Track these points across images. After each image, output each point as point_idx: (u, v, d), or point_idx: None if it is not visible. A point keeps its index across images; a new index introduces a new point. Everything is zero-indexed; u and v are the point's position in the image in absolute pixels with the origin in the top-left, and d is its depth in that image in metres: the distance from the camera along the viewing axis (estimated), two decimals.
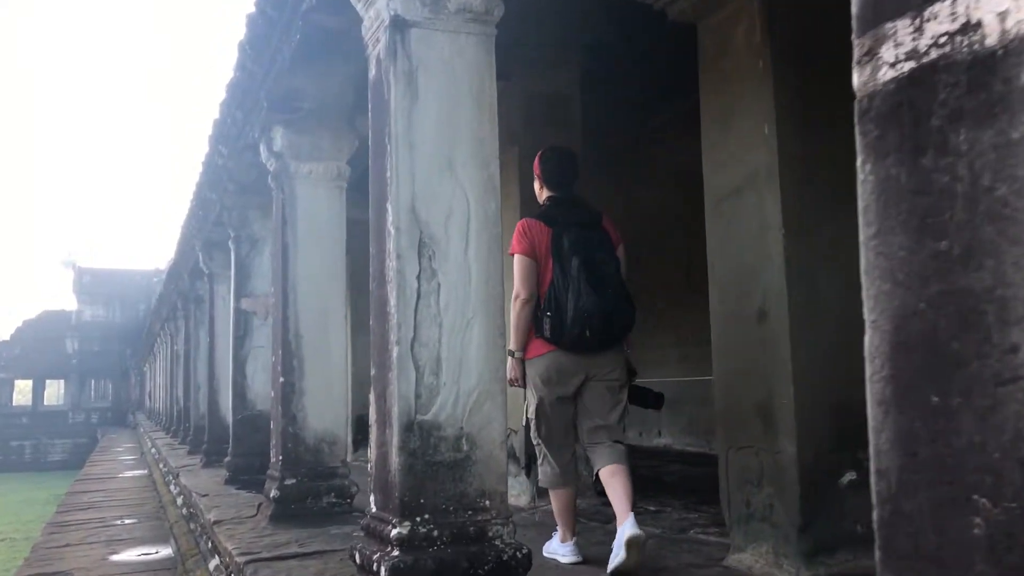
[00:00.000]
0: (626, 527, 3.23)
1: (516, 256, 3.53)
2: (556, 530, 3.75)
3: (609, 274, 3.51)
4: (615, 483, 3.41)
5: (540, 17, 5.05)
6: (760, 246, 3.39)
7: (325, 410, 5.06)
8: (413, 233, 2.91)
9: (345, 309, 5.23)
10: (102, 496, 12.23)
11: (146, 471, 15.38)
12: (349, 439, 8.51)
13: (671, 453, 8.71)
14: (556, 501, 3.65)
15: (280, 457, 4.96)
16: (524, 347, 3.59)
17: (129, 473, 15.59)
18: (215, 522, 5.14)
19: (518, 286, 3.51)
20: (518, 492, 5.52)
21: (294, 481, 4.93)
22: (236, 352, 7.26)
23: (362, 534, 3.09)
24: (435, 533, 2.79)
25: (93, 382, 43.97)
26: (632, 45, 5.92)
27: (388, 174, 2.96)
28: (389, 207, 2.94)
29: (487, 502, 2.90)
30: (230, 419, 8.90)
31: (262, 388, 7.21)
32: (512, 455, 7.57)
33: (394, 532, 2.77)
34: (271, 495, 4.89)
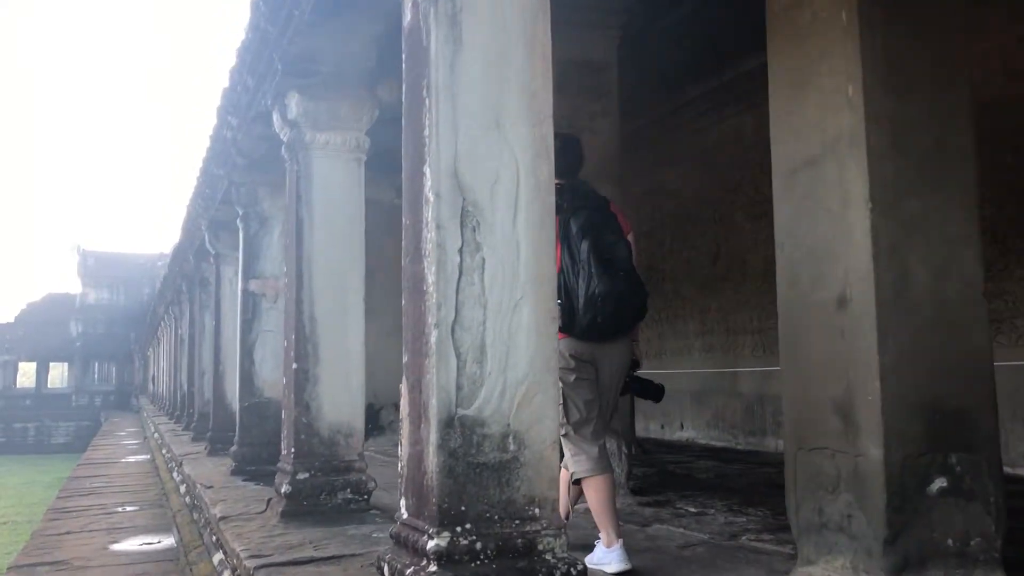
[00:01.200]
0: (612, 556, 3.33)
1: None
2: (598, 537, 3.44)
3: (620, 257, 3.39)
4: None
5: None
6: (841, 223, 3.00)
7: (341, 399, 4.69)
8: (455, 201, 2.53)
9: (363, 291, 4.85)
10: (104, 482, 12.00)
11: (149, 456, 15.13)
12: None
13: (695, 447, 8.35)
14: (596, 494, 3.39)
15: (292, 449, 4.60)
16: None
17: (132, 458, 15.35)
18: (221, 518, 4.78)
19: None
20: None
21: (307, 475, 4.57)
22: (243, 336, 6.89)
23: (391, 543, 2.72)
24: (478, 546, 2.42)
25: (97, 365, 43.89)
26: (677, 6, 5.51)
27: (426, 132, 2.57)
28: (427, 171, 2.55)
29: (536, 510, 2.52)
30: (236, 406, 8.55)
31: (271, 374, 6.84)
32: None
33: (431, 544, 2.40)
34: (282, 490, 4.53)
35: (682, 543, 3.85)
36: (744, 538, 3.93)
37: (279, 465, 4.80)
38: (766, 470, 6.53)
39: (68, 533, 7.68)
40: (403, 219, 2.76)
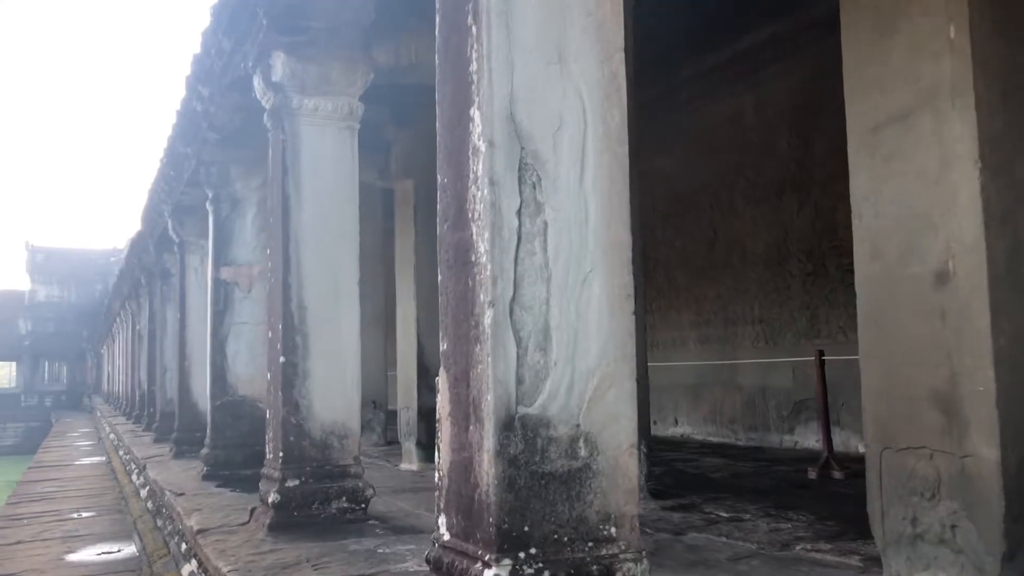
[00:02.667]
0: None
1: None
2: None
3: None
4: None
5: None
6: (940, 186, 2.59)
7: (335, 397, 4.18)
8: (511, 150, 2.05)
9: (358, 275, 4.34)
10: (57, 486, 11.37)
11: (104, 458, 14.44)
12: None
13: (693, 443, 7.96)
14: None
15: (280, 453, 4.08)
16: None
17: (86, 460, 14.66)
18: (199, 531, 4.24)
19: None
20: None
21: (297, 482, 4.05)
22: (215, 329, 6.33)
23: (427, 570, 2.24)
24: (546, 575, 1.96)
25: (47, 364, 42.56)
26: None
27: (472, 68, 2.09)
28: (475, 114, 2.08)
29: (613, 529, 2.06)
30: (204, 405, 7.98)
31: (245, 370, 6.30)
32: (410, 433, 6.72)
33: (488, 573, 1.92)
34: (269, 499, 4.01)
35: (731, 555, 3.43)
36: (799, 548, 3.51)
37: (264, 471, 4.28)
38: (781, 468, 6.15)
39: (19, 543, 7.14)
40: (439, 176, 2.28)
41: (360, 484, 4.19)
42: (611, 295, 2.12)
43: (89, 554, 6.52)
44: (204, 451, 6.34)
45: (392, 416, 9.91)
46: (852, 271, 6.88)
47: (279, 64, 4.15)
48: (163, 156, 7.68)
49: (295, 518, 4.01)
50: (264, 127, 4.52)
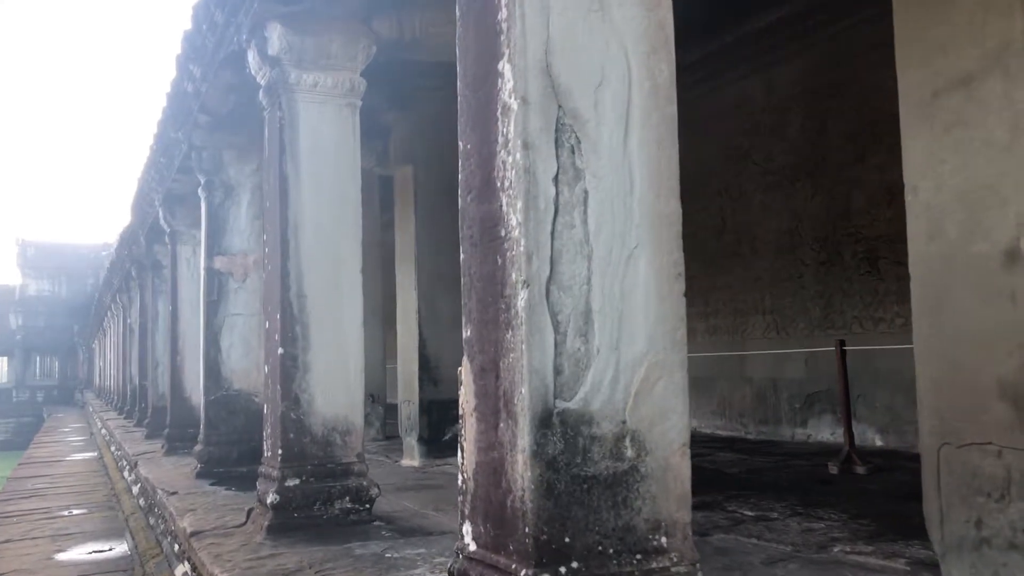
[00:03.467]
0: None
1: None
2: None
3: None
4: None
5: None
6: (1010, 155, 2.35)
7: (337, 391, 3.93)
8: (548, 108, 1.80)
9: (361, 262, 4.08)
10: (47, 482, 11.13)
11: (96, 454, 14.18)
12: None
13: (700, 437, 7.72)
14: None
15: (279, 451, 3.82)
16: None
17: (77, 456, 14.40)
18: (193, 533, 3.99)
19: None
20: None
21: (297, 482, 3.80)
22: (208, 321, 6.06)
23: None
24: None
25: (38, 359, 42.19)
26: None
27: (502, 15, 1.84)
28: (505, 68, 1.82)
29: (664, 539, 1.82)
30: (197, 400, 7.73)
31: (240, 363, 6.04)
32: (411, 427, 6.52)
33: None
34: (268, 500, 3.76)
35: (764, 558, 3.19)
36: (837, 550, 3.27)
37: (262, 469, 4.03)
38: (799, 463, 5.92)
39: (8, 541, 6.87)
40: (461, 143, 2.03)
41: (364, 483, 3.94)
42: (659, 274, 1.87)
43: (80, 553, 6.28)
44: (197, 448, 6.08)
45: (390, 410, 9.66)
46: (868, 259, 6.68)
47: (275, 36, 3.88)
48: (153, 142, 7.39)
49: (295, 520, 3.76)
50: (259, 107, 4.27)
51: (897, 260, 6.49)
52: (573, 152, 1.82)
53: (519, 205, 1.77)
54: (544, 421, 1.75)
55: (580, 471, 1.77)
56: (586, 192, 1.82)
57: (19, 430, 35.65)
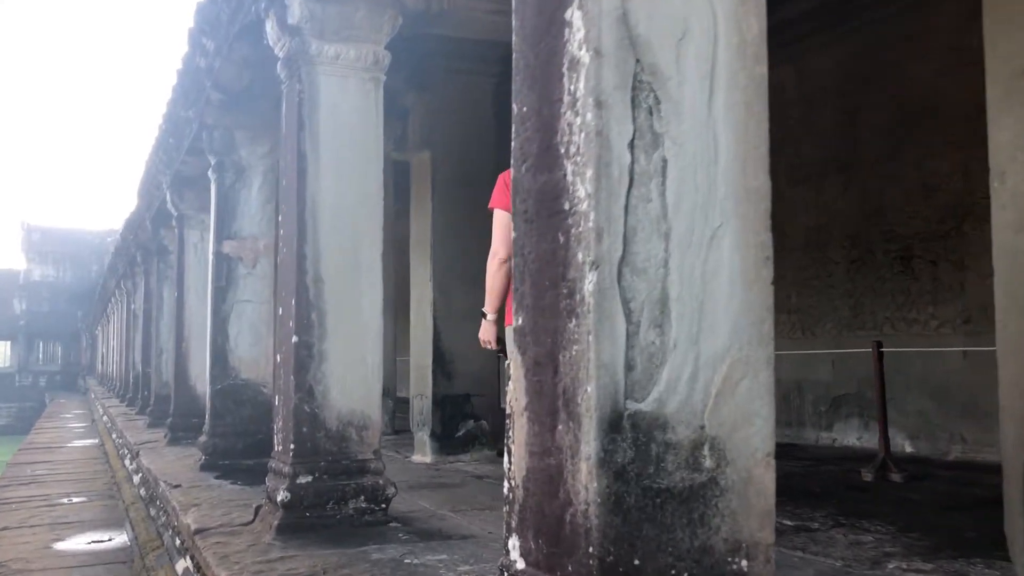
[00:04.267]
0: None
1: (496, 211, 3.18)
2: None
3: None
4: None
5: None
6: None
7: (354, 382, 3.70)
8: (624, 62, 1.56)
9: (381, 245, 3.84)
10: (47, 468, 11.00)
11: (97, 440, 14.03)
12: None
13: None
14: None
15: (291, 446, 3.59)
16: (499, 311, 3.24)
17: (78, 443, 14.26)
18: (197, 531, 3.76)
19: (496, 244, 3.16)
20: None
21: (310, 479, 3.57)
22: (216, 308, 5.83)
23: None
24: None
25: (42, 344, 42.10)
26: None
27: None
28: (575, 16, 1.58)
29: (744, 562, 1.58)
30: (202, 389, 7.52)
31: (248, 351, 5.81)
32: (424, 422, 6.31)
33: None
34: (278, 497, 3.53)
35: (814, 573, 2.95)
36: (892, 566, 3.03)
37: (272, 464, 3.79)
38: (829, 468, 5.68)
39: (5, 529, 6.73)
40: (515, 105, 1.79)
41: (380, 481, 3.70)
42: (745, 257, 1.62)
43: (78, 543, 6.15)
44: (202, 439, 5.85)
45: (400, 404, 9.42)
46: (902, 258, 6.42)
47: (296, 4, 3.64)
48: (162, 122, 7.16)
49: (307, 519, 3.53)
50: (276, 80, 4.03)
51: (932, 259, 6.24)
52: (651, 114, 1.57)
53: (588, 174, 1.53)
54: (613, 424, 1.51)
55: (652, 483, 1.53)
56: (665, 160, 1.58)
57: (21, 415, 35.58)
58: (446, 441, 6.30)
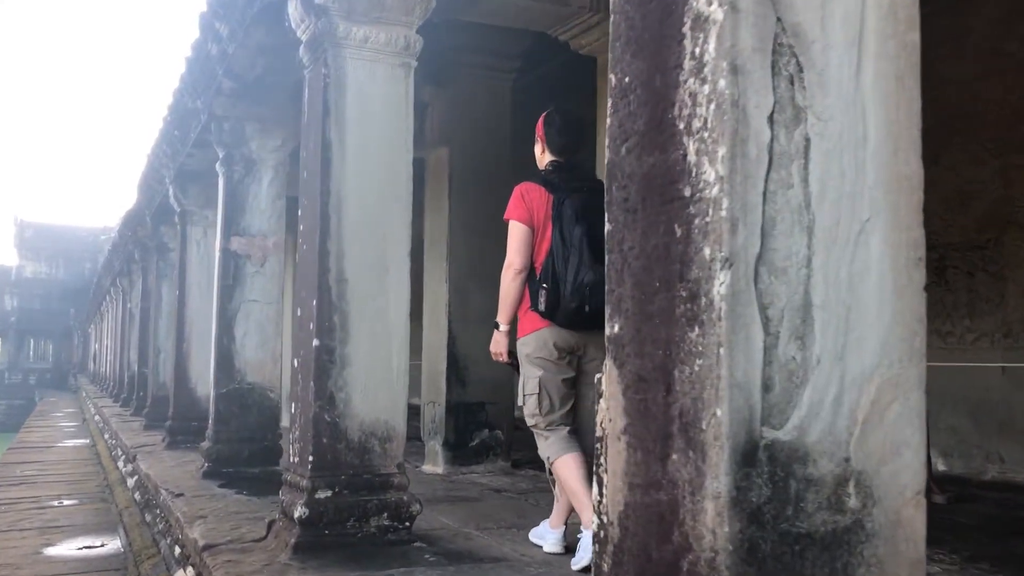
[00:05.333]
0: (552, 537, 3.36)
1: (512, 223, 3.27)
2: (546, 519, 3.51)
3: None
4: (588, 477, 3.13)
5: None
6: None
7: (378, 390, 3.43)
8: (764, 19, 1.30)
9: (409, 243, 3.58)
10: (38, 469, 10.74)
11: (88, 441, 13.75)
12: None
13: None
14: (567, 472, 3.23)
15: (310, 457, 3.32)
16: (511, 321, 3.34)
17: (70, 442, 13.99)
18: (206, 547, 3.48)
19: (512, 255, 3.26)
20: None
21: (329, 493, 3.30)
22: (222, 307, 5.55)
23: None
24: None
25: (33, 341, 41.75)
26: None
27: None
28: None
29: None
30: (202, 391, 7.26)
31: (255, 354, 5.54)
32: (436, 431, 6.07)
33: None
34: (295, 513, 3.25)
35: None
36: None
37: (288, 477, 3.52)
38: None
39: None
40: (612, 75, 1.53)
41: (405, 498, 3.43)
42: (896, 257, 1.36)
43: (70, 548, 5.92)
44: (205, 444, 5.57)
45: (410, 411, 9.13)
46: (937, 268, 6.18)
47: None
48: (167, 113, 6.89)
49: (325, 537, 3.26)
50: (290, 70, 3.81)
51: (968, 270, 6.00)
52: (792, 83, 1.31)
53: (720, 152, 1.27)
54: (748, 456, 1.25)
55: (791, 527, 1.27)
56: (807, 139, 1.32)
57: (10, 412, 35.22)
58: (459, 451, 6.02)
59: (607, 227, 1.54)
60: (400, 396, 3.49)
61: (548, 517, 3.51)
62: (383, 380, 3.43)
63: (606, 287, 1.54)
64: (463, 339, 6.06)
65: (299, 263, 3.63)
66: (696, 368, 1.30)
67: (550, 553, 3.35)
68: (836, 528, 1.30)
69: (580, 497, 3.15)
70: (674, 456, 1.33)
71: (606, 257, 1.54)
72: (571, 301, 3.11)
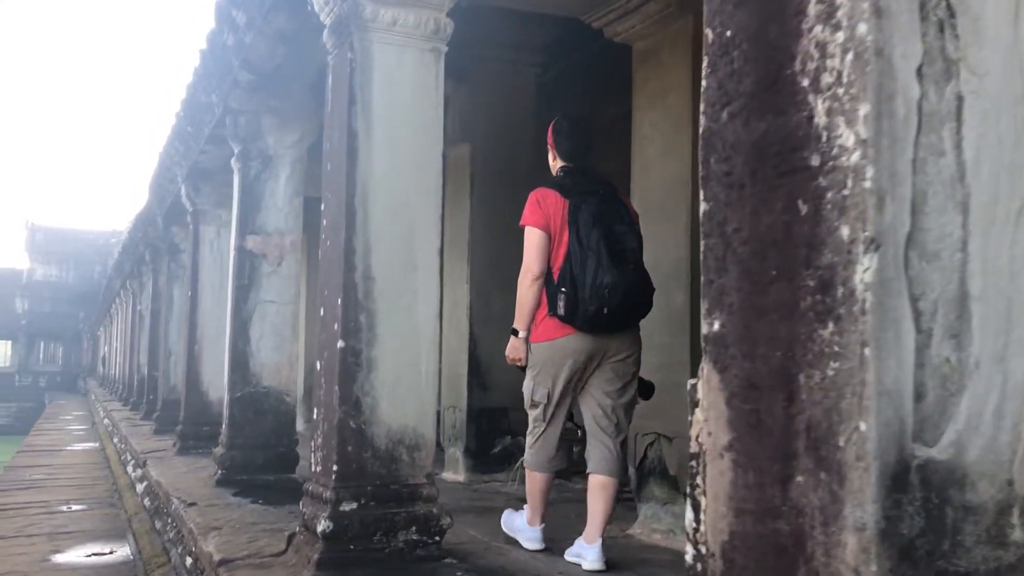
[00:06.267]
0: (592, 553, 3.19)
1: (528, 229, 3.29)
2: (524, 508, 3.60)
3: (630, 248, 3.23)
4: (599, 497, 3.28)
5: None
6: None
7: (406, 395, 3.21)
8: None
9: (439, 240, 3.37)
10: (47, 472, 10.60)
11: (97, 444, 13.62)
12: None
13: None
14: (534, 483, 3.43)
15: (334, 467, 3.10)
16: (530, 327, 3.34)
17: (79, 446, 13.87)
18: (222, 562, 3.27)
19: (528, 261, 3.27)
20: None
21: (355, 506, 3.08)
22: (236, 308, 5.35)
23: None
24: None
25: (43, 344, 41.71)
26: None
27: None
28: None
29: None
30: (215, 395, 7.06)
31: (271, 357, 5.33)
32: (456, 437, 5.87)
33: None
34: (319, 527, 3.03)
35: None
36: None
37: (310, 488, 3.30)
38: None
39: (1, 538, 6.33)
40: (708, 31, 1.31)
41: (434, 510, 3.21)
42: None
43: (78, 555, 5.77)
44: (219, 451, 5.36)
45: None
46: None
47: None
48: (180, 109, 6.70)
49: (351, 553, 3.04)
50: (309, 61, 3.62)
51: None
52: (942, 31, 1.09)
53: (862, 111, 1.04)
54: (898, 479, 1.03)
55: (948, 564, 1.05)
56: (960, 98, 1.10)
57: (20, 415, 35.16)
58: (481, 458, 5.80)
59: (703, 207, 1.32)
60: (429, 401, 3.28)
61: (582, 532, 3.33)
62: (412, 384, 3.22)
63: (702, 278, 1.32)
64: (484, 342, 5.84)
65: (322, 260, 3.42)
66: (830, 372, 1.07)
67: (590, 571, 3.15)
68: (999, 566, 1.08)
69: (537, 505, 3.45)
70: (799, 478, 1.11)
71: (701, 243, 1.32)
72: (590, 304, 3.10)
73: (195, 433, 7.20)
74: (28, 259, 42.66)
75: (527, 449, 3.44)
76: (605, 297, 3.08)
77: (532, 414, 3.41)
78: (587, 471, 3.35)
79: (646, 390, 3.48)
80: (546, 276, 3.26)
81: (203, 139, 6.37)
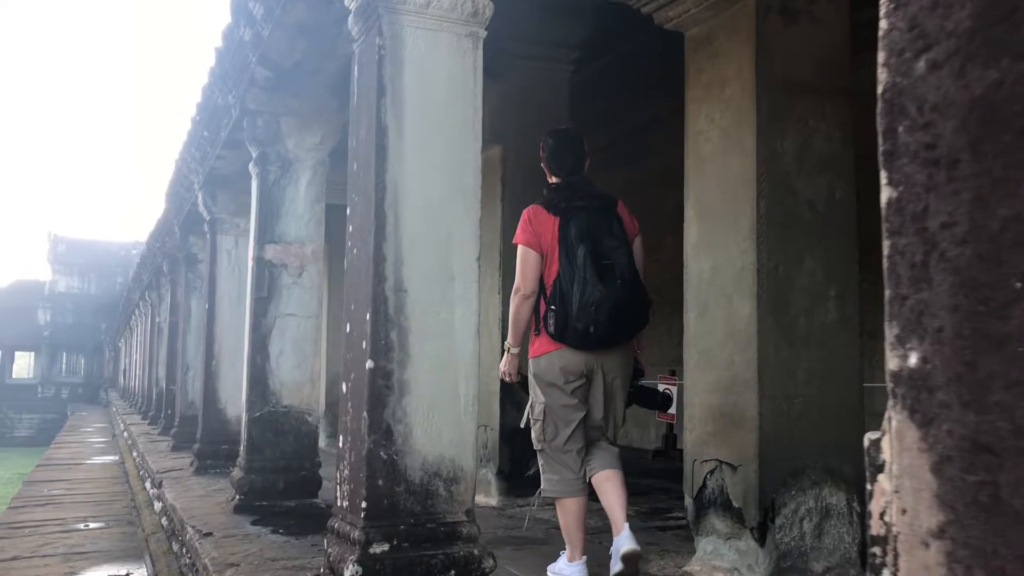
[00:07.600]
0: (622, 540, 3.11)
1: (520, 247, 3.30)
2: (564, 550, 3.38)
3: (620, 263, 3.18)
4: (609, 489, 3.24)
5: None
6: None
7: (442, 421, 2.86)
8: None
9: (479, 246, 3.02)
10: (65, 488, 10.43)
11: (117, 457, 13.42)
12: None
13: None
14: (564, 514, 3.31)
15: (362, 503, 2.75)
16: (521, 344, 3.39)
17: (98, 459, 13.70)
18: None
19: (519, 280, 3.28)
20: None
21: (387, 547, 2.72)
22: (255, 322, 5.02)
23: None
24: None
25: (65, 356, 41.78)
26: None
27: None
28: None
29: None
30: (232, 413, 6.75)
31: (291, 374, 5.00)
32: (488, 458, 5.54)
33: None
34: (346, 572, 2.68)
35: None
36: None
37: (336, 525, 2.94)
38: None
39: (16, 559, 6.13)
40: None
41: (475, 551, 2.85)
42: None
43: None
44: (237, 474, 5.03)
45: None
46: None
47: None
48: (195, 113, 6.40)
49: None
50: (330, 56, 3.30)
51: None
52: None
53: None
54: None
55: None
56: None
57: (43, 426, 35.19)
58: (515, 481, 5.43)
59: (886, 193, 0.95)
60: (469, 429, 2.93)
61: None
62: (449, 409, 2.87)
63: (887, 291, 0.95)
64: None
65: (348, 271, 3.07)
66: None
67: (626, 554, 3.07)
68: None
69: (573, 537, 3.27)
70: None
71: (884, 242, 0.96)
72: (577, 321, 3.11)
73: (213, 452, 6.89)
74: (50, 270, 42.79)
75: (542, 478, 3.36)
76: (591, 314, 3.09)
77: (533, 433, 3.37)
78: (589, 476, 3.32)
79: (664, 402, 3.48)
80: (541, 292, 3.27)
81: (220, 144, 6.07)
